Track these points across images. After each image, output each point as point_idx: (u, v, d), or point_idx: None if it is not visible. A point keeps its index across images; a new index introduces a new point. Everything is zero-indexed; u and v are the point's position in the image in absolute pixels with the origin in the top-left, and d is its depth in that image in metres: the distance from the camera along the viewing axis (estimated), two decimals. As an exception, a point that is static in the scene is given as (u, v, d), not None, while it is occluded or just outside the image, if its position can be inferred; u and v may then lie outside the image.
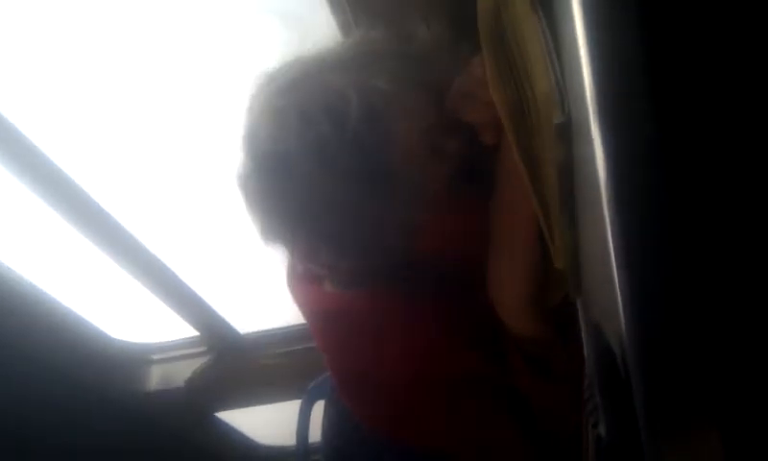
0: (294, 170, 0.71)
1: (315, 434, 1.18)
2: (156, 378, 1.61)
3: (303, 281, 0.88)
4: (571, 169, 0.45)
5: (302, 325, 0.96)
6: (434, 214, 0.74)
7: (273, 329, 1.60)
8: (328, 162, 0.69)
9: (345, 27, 0.88)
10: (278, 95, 0.73)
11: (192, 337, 1.60)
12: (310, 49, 0.76)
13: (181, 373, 1.59)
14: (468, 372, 0.76)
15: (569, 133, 0.43)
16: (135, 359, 1.61)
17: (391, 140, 0.71)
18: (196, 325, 1.53)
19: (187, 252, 1.47)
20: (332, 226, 0.74)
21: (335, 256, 0.78)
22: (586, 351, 0.50)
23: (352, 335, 0.83)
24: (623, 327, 0.36)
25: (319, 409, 1.19)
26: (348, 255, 0.77)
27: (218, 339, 1.58)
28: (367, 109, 0.69)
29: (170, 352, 1.63)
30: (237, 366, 1.60)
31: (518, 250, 0.69)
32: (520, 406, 0.74)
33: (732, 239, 0.36)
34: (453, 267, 0.77)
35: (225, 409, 1.76)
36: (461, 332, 0.77)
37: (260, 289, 1.47)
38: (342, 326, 0.84)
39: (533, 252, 0.68)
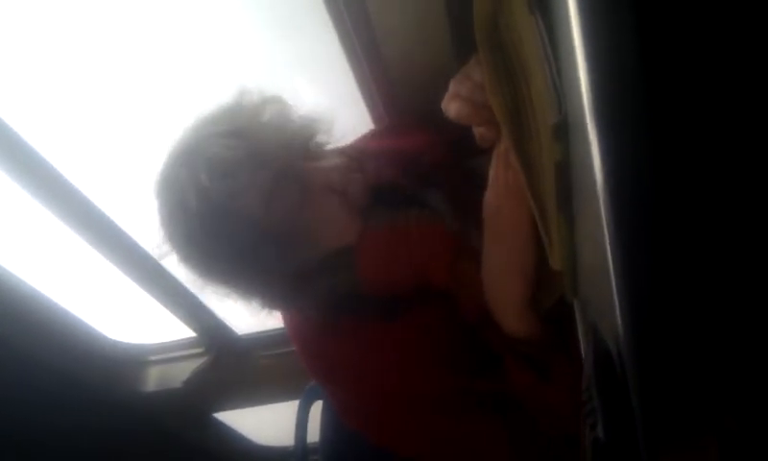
0: (201, 245, 0.75)
1: (313, 434, 1.18)
2: (153, 379, 1.61)
3: (295, 314, 0.91)
4: (568, 169, 0.45)
5: (300, 325, 0.96)
6: (363, 244, 0.78)
7: (270, 330, 1.60)
8: (225, 234, 0.73)
9: (339, 24, 0.88)
10: (173, 165, 0.76)
11: (190, 338, 1.60)
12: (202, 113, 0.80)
13: (179, 374, 1.59)
14: (447, 387, 0.77)
15: (566, 133, 0.43)
16: (133, 360, 1.61)
17: (291, 199, 0.75)
18: (193, 326, 1.53)
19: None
20: (252, 284, 0.80)
21: (275, 305, 0.84)
22: (583, 353, 0.50)
23: (334, 362, 0.85)
24: (620, 328, 0.36)
25: (317, 409, 1.19)
26: (288, 303, 0.84)
27: (215, 340, 1.58)
28: (257, 179, 0.73)
29: (168, 354, 1.63)
30: (235, 367, 1.60)
31: (513, 251, 0.69)
32: (511, 415, 0.75)
33: (730, 240, 0.36)
34: (402, 289, 0.79)
35: (223, 410, 1.76)
36: (435, 350, 0.78)
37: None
38: (325, 351, 0.86)
39: (527, 253, 0.68)
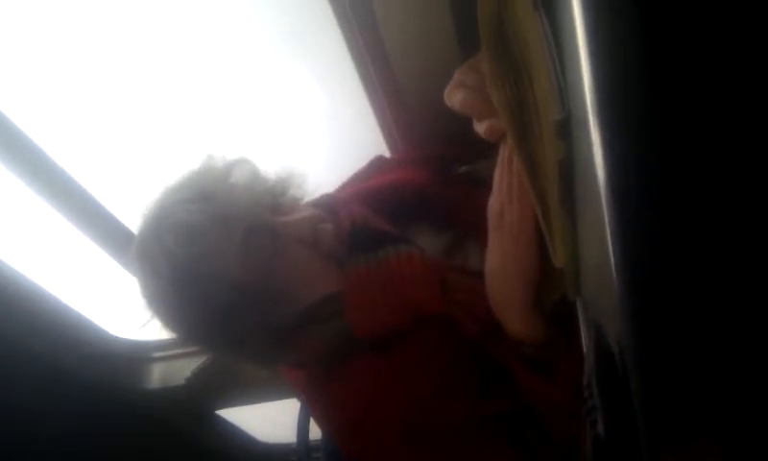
0: (179, 311, 0.77)
1: (316, 431, 1.18)
2: (156, 376, 1.61)
3: (295, 368, 0.91)
4: (571, 166, 0.45)
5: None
6: (347, 289, 0.77)
7: (273, 327, 1.60)
8: (201, 297, 0.73)
9: (342, 18, 0.88)
10: (143, 235, 0.78)
11: (193, 335, 1.60)
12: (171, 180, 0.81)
13: (182, 370, 1.59)
14: (456, 412, 0.76)
15: (569, 130, 0.42)
16: (136, 357, 1.61)
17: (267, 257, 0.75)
18: (196, 322, 1.53)
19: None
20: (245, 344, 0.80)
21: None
22: (585, 351, 0.50)
23: (338, 409, 0.84)
24: (622, 325, 0.36)
25: (319, 407, 1.19)
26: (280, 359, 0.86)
27: (219, 337, 1.58)
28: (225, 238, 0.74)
29: (171, 350, 1.63)
30: (238, 364, 1.60)
31: (517, 256, 0.68)
32: (521, 434, 0.74)
33: (733, 239, 0.36)
34: (396, 325, 0.78)
35: (225, 407, 1.76)
36: (439, 374, 0.77)
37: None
38: (328, 401, 0.86)
39: (531, 257, 0.67)
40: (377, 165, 1.02)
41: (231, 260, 0.73)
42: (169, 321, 0.79)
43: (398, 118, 1.04)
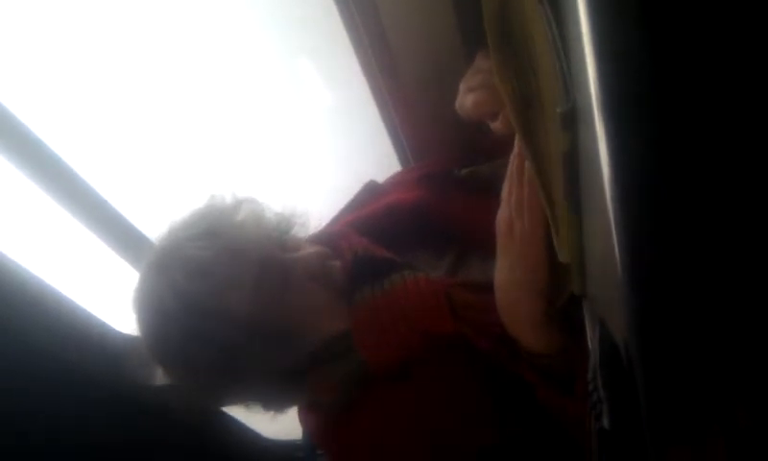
0: (185, 353, 0.74)
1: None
2: (162, 372, 1.61)
3: (308, 411, 0.89)
4: (576, 159, 0.44)
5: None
6: (356, 324, 0.76)
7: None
8: (209, 337, 0.71)
9: (349, 22, 0.88)
10: (148, 275, 0.76)
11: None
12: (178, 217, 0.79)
13: (188, 366, 1.59)
14: (480, 435, 0.74)
15: (574, 122, 0.42)
16: (143, 353, 1.61)
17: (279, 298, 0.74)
18: (202, 319, 1.53)
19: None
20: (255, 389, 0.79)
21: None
22: (590, 344, 0.50)
23: (361, 447, 0.81)
24: (627, 321, 0.36)
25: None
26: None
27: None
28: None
29: (176, 347, 1.63)
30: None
31: (526, 269, 0.67)
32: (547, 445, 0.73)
33: (738, 233, 0.36)
34: (410, 352, 0.77)
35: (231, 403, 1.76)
36: (460, 395, 0.75)
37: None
38: (348, 440, 0.82)
39: (541, 270, 0.66)
40: (370, 192, 1.00)
41: (242, 297, 0.71)
42: (173, 363, 0.77)
43: (402, 116, 1.04)
